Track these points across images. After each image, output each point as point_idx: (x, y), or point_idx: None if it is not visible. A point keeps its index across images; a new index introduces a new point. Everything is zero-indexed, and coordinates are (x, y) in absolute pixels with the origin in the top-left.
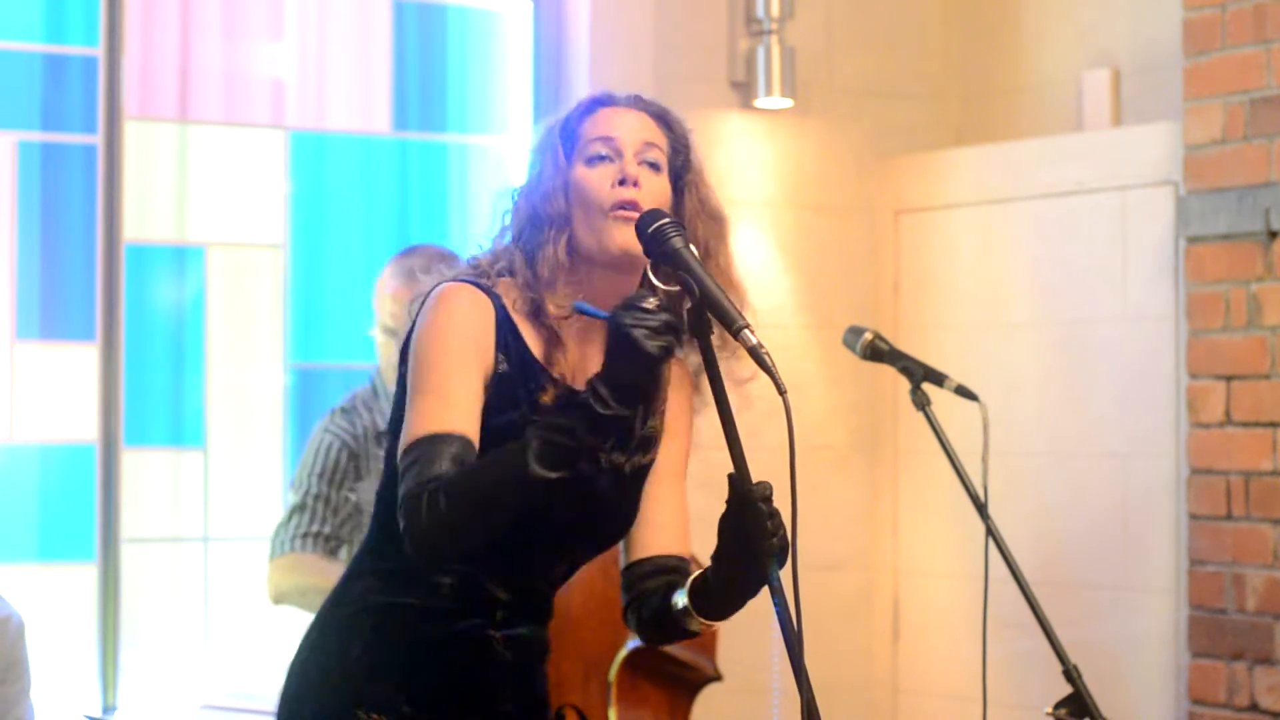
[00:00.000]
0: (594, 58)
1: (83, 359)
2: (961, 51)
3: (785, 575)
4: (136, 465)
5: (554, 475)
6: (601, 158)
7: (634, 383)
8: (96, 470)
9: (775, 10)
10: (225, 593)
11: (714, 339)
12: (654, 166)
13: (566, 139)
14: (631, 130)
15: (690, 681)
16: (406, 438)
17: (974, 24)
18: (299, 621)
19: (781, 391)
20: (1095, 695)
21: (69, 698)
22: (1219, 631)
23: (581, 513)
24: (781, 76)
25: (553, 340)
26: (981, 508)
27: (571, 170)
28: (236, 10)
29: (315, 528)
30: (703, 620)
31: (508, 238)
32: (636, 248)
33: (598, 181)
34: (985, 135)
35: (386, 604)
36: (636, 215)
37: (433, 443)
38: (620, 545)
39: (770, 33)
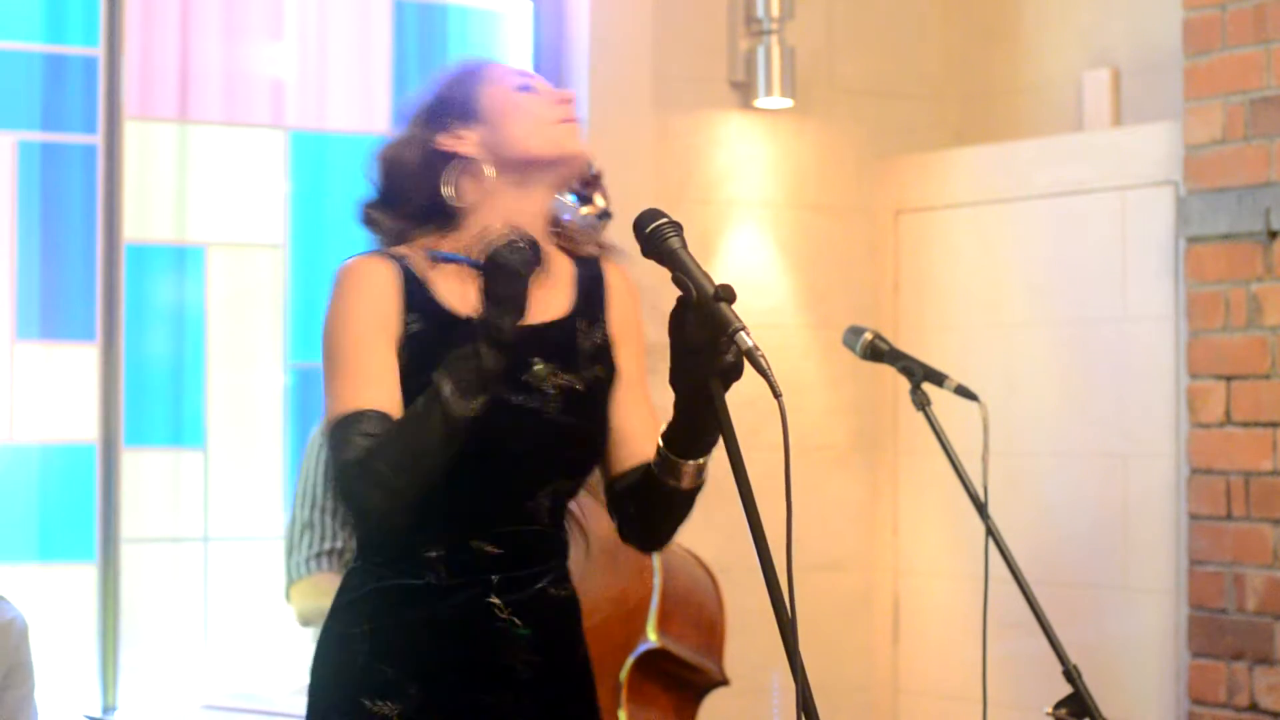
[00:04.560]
0: (593, 58)
1: (83, 359)
2: (961, 51)
3: (782, 575)
4: (136, 465)
5: (473, 406)
6: (529, 88)
7: (510, 293)
8: (96, 470)
9: (775, 10)
10: (225, 593)
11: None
12: None
13: (461, 85)
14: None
15: (698, 685)
16: (324, 424)
17: (974, 24)
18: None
19: (777, 395)
20: (1095, 695)
21: (69, 698)
22: (1219, 631)
23: (539, 441)
24: (781, 76)
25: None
26: (981, 508)
27: (491, 100)
28: (236, 10)
29: (328, 545)
30: (676, 457)
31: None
32: (583, 151)
33: (539, 101)
34: (985, 135)
35: (382, 588)
36: (578, 128)
37: (347, 422)
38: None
39: (770, 33)
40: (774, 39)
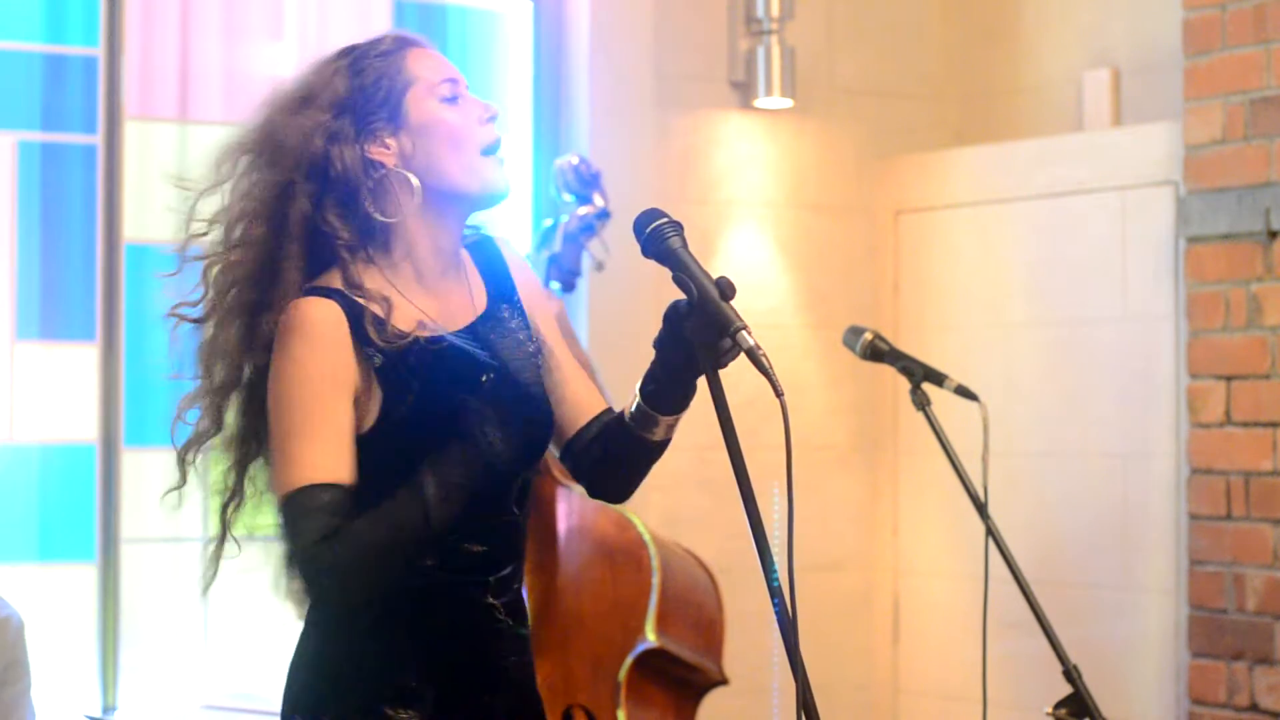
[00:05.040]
0: (594, 58)
1: (83, 359)
2: (961, 51)
3: (783, 575)
4: (136, 465)
5: (454, 511)
6: (454, 97)
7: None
8: (96, 470)
9: (775, 10)
10: (225, 593)
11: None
12: None
13: (382, 81)
14: (457, 69)
15: (697, 684)
16: (278, 489)
17: (974, 24)
18: (298, 621)
19: (779, 394)
20: (1095, 695)
21: (69, 698)
22: (1219, 631)
23: (511, 438)
24: (781, 76)
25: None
26: (981, 508)
27: (418, 110)
28: (236, 10)
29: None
30: (654, 412)
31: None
32: (509, 190)
33: (466, 120)
34: (985, 135)
35: (385, 596)
36: (503, 156)
37: (306, 496)
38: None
39: (770, 33)
40: (774, 39)
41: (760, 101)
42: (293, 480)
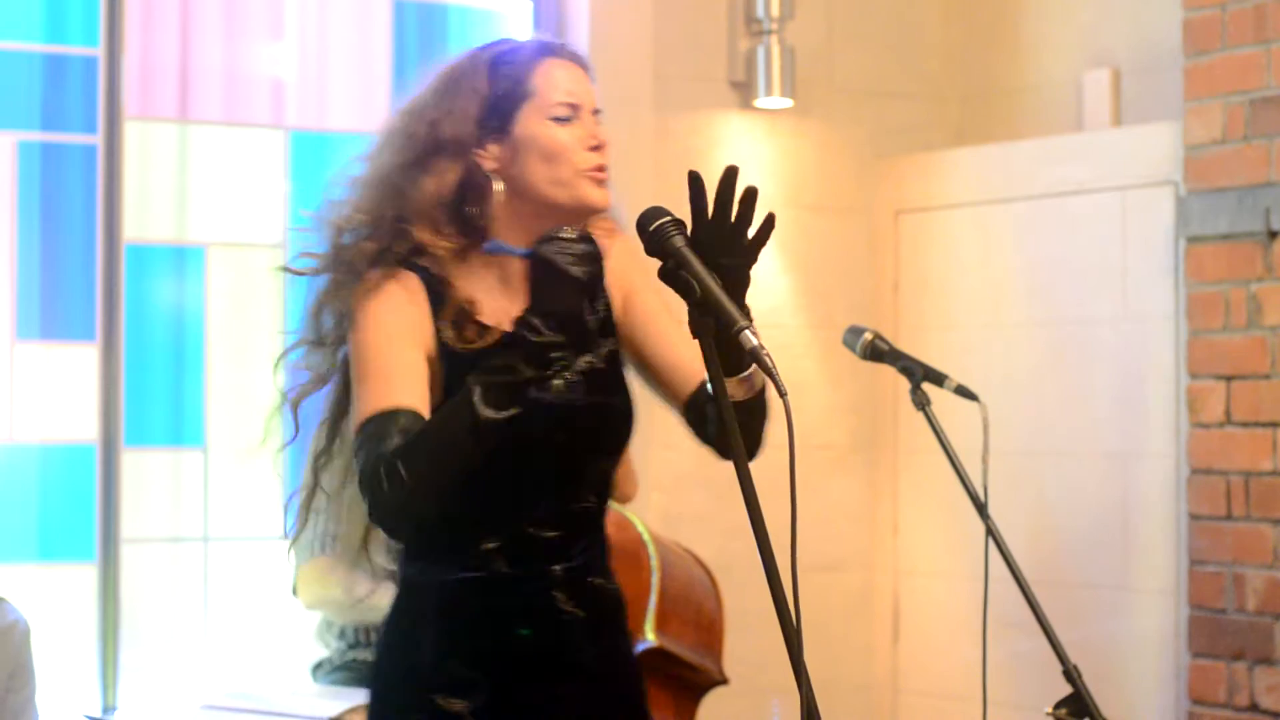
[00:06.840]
0: (593, 58)
1: (83, 359)
2: (961, 51)
3: (785, 575)
4: (136, 465)
5: (502, 415)
6: (567, 119)
7: (563, 308)
8: (96, 470)
9: (775, 10)
10: (225, 593)
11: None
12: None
13: (508, 87)
14: (587, 93)
15: (697, 684)
16: (355, 423)
17: (974, 24)
18: (298, 621)
19: (782, 394)
20: (1095, 695)
21: (69, 698)
22: (1219, 631)
23: (577, 426)
24: (781, 76)
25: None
26: (981, 508)
27: (526, 124)
28: (236, 10)
29: (334, 528)
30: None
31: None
32: (607, 204)
33: (571, 142)
34: (985, 135)
35: (444, 583)
36: (607, 177)
37: (379, 420)
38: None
39: (770, 33)
40: (774, 39)
41: (760, 101)
42: (364, 412)
